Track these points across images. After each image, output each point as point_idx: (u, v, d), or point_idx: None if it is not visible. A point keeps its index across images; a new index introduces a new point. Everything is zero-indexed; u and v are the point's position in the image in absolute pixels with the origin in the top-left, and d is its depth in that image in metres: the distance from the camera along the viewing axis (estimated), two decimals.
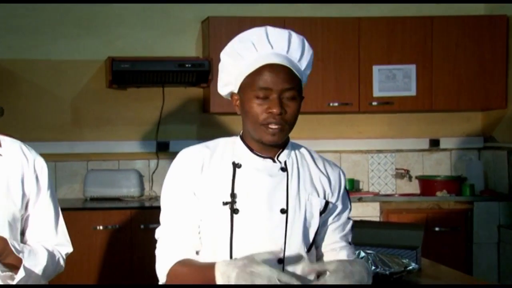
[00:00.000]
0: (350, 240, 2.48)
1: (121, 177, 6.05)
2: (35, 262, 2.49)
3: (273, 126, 2.25)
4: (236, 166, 2.32)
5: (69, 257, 2.71)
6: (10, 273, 2.48)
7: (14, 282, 2.45)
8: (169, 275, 2.28)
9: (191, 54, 6.18)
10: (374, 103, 6.11)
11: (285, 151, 2.38)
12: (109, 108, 6.20)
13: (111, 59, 5.74)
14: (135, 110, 6.23)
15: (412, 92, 6.12)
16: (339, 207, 2.44)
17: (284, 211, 2.30)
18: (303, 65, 2.33)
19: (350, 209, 2.49)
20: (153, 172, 6.24)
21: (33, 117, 6.10)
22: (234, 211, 2.27)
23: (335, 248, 2.43)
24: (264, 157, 2.34)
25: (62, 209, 2.74)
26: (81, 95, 6.17)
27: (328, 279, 2.15)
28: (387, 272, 3.03)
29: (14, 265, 2.45)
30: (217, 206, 2.28)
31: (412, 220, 5.73)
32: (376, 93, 6.10)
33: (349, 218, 2.48)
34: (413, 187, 6.52)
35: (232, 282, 2.04)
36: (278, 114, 2.24)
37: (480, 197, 6.12)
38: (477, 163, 6.51)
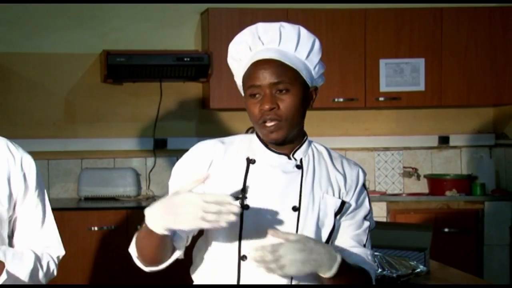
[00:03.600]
0: (364, 242, 2.43)
1: (117, 176, 6.05)
2: (19, 266, 2.45)
3: (269, 124, 2.27)
4: (250, 161, 2.35)
5: (62, 260, 2.67)
6: None
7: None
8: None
9: (190, 47, 6.15)
10: (381, 99, 6.09)
11: (302, 148, 2.39)
12: (104, 104, 6.18)
13: (106, 52, 5.73)
14: (132, 106, 6.21)
15: (421, 87, 6.09)
16: (353, 205, 2.40)
17: (296, 209, 2.30)
18: (302, 54, 2.32)
19: (370, 211, 2.45)
20: (150, 171, 6.20)
21: (24, 113, 6.07)
22: (244, 206, 2.28)
23: (344, 248, 2.39)
24: (279, 154, 2.35)
25: (56, 209, 2.71)
26: (75, 90, 6.14)
27: (283, 246, 2.14)
28: (394, 275, 3.05)
29: None
30: None
31: (420, 221, 5.71)
32: (383, 88, 6.07)
33: (366, 219, 2.43)
34: (422, 186, 6.48)
35: (159, 221, 2.09)
36: (269, 110, 2.25)
37: (492, 196, 6.11)
38: (488, 161, 6.47)
